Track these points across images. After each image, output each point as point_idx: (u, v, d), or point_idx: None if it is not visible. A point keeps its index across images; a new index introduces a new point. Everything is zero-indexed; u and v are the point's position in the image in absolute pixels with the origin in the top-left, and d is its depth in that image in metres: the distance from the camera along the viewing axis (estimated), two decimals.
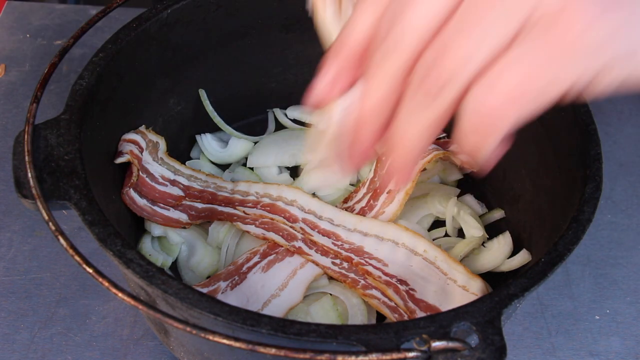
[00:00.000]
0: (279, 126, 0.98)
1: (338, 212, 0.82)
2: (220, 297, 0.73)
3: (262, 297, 0.74)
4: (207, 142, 0.91)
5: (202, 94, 0.89)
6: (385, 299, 0.74)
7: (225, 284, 0.74)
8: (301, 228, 0.80)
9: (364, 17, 0.46)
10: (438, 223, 0.87)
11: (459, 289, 0.74)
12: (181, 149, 0.92)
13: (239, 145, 0.92)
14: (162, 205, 0.80)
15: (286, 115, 0.98)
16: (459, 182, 0.91)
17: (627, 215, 0.94)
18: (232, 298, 0.73)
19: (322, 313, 0.76)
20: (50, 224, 0.55)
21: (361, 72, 0.47)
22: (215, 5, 0.82)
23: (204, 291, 0.72)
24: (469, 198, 0.88)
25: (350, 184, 0.89)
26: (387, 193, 0.82)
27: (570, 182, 0.69)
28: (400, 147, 0.46)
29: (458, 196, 0.88)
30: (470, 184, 0.91)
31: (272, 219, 0.80)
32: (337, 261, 0.78)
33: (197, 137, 0.92)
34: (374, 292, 0.75)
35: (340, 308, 0.77)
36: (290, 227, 0.79)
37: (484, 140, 0.43)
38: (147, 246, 0.80)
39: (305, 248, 0.78)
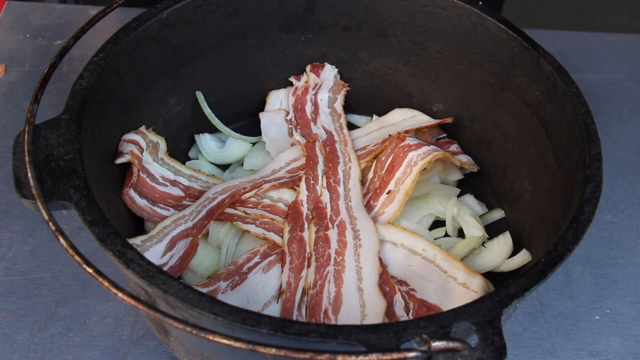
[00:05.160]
0: None
1: None
2: (220, 297, 0.73)
3: (263, 298, 0.74)
4: (206, 142, 0.91)
5: (200, 96, 0.89)
6: None
7: (226, 284, 0.74)
8: None
9: None
10: (438, 223, 0.87)
11: (459, 287, 0.74)
12: (181, 149, 0.92)
13: (235, 145, 0.91)
14: (162, 205, 0.80)
15: None
16: (459, 182, 0.91)
17: (627, 215, 0.94)
18: (232, 298, 0.73)
19: None
20: (50, 224, 0.55)
21: None
22: (215, 5, 0.82)
23: (204, 291, 0.72)
24: (469, 198, 0.88)
25: None
26: (387, 194, 0.82)
27: (570, 182, 0.69)
28: None
29: (458, 196, 0.88)
30: (470, 184, 0.91)
31: (272, 219, 0.80)
32: None
33: (196, 136, 0.92)
34: None
35: None
36: None
37: None
38: None
39: None
